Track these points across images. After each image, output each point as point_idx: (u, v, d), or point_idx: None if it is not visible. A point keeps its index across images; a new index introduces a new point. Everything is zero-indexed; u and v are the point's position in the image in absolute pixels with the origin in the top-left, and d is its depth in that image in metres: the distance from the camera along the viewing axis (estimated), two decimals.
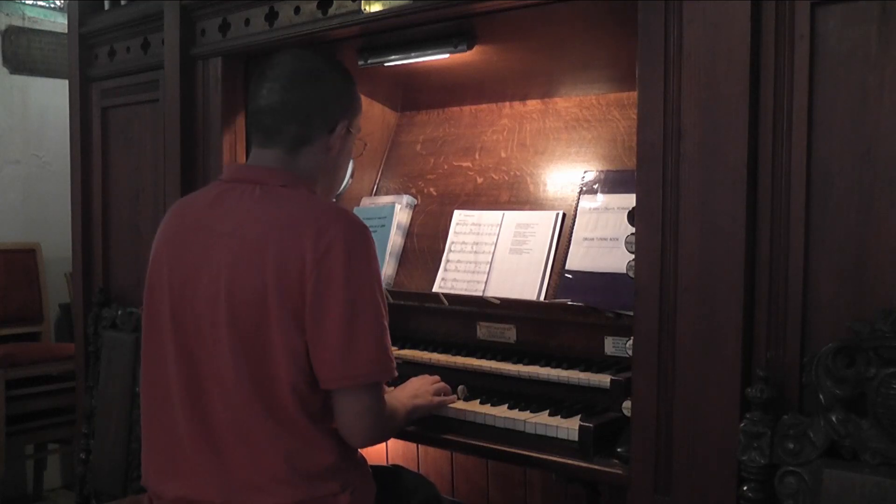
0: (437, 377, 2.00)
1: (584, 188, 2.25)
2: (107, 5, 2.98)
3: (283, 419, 1.60)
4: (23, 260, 4.42)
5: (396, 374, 1.68)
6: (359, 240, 1.61)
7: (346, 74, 1.81)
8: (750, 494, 1.49)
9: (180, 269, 1.68)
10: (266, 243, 1.58)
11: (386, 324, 1.64)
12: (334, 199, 2.65)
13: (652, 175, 1.64)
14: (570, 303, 2.07)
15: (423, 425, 1.96)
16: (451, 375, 2.06)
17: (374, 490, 1.75)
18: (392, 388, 1.94)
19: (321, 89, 1.73)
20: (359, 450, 1.75)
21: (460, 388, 2.02)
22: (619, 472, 1.69)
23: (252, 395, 1.59)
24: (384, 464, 2.25)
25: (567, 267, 2.19)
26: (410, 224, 2.59)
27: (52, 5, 4.80)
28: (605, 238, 2.14)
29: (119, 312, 2.88)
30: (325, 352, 1.58)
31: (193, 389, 1.64)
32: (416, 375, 2.03)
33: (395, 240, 2.55)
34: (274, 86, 1.71)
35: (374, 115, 2.77)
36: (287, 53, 1.80)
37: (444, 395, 1.98)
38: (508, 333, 2.23)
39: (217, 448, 1.62)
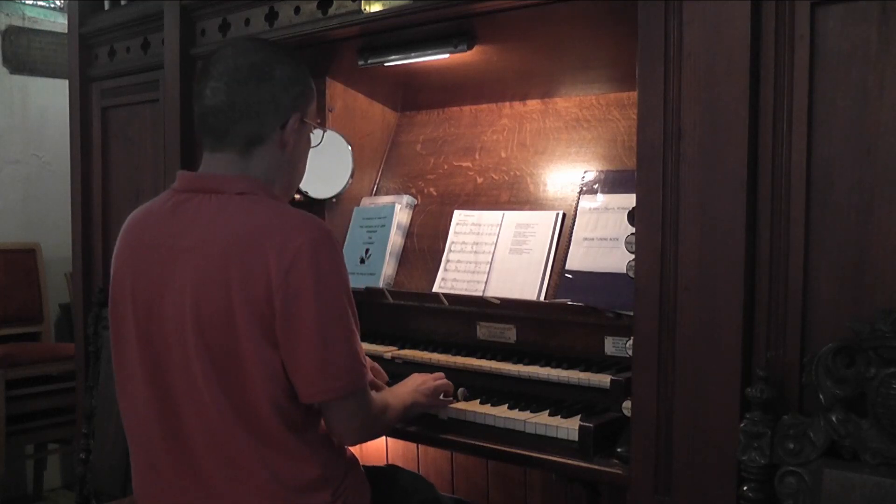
0: (440, 374, 1.99)
1: (584, 188, 2.25)
2: (107, 5, 2.98)
3: (266, 436, 1.55)
4: (23, 260, 4.42)
5: (369, 378, 1.65)
6: (325, 248, 1.54)
7: (295, 62, 1.69)
8: (750, 494, 1.49)
9: (143, 288, 1.61)
10: (229, 259, 1.52)
11: (357, 330, 1.60)
12: (334, 198, 2.67)
13: (652, 175, 1.64)
14: (570, 303, 2.07)
15: (423, 425, 1.96)
16: (451, 375, 2.05)
17: (369, 492, 1.74)
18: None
19: (268, 84, 1.62)
20: (350, 452, 1.74)
21: (461, 390, 2.02)
22: (619, 472, 1.69)
23: (231, 415, 1.54)
24: (381, 464, 2.24)
25: (567, 267, 2.19)
26: (410, 224, 2.59)
27: (52, 5, 4.80)
28: (605, 238, 2.14)
29: None
30: (301, 367, 1.53)
31: (167, 413, 1.59)
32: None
33: (395, 240, 2.55)
34: (217, 85, 1.61)
35: (374, 115, 2.77)
36: (229, 47, 1.67)
37: (447, 392, 1.97)
38: (508, 333, 2.23)
39: (198, 471, 1.58)
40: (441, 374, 1.99)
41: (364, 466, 1.80)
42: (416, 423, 1.96)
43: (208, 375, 1.54)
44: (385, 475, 1.94)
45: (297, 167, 1.75)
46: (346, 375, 1.56)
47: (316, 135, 1.80)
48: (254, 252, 1.51)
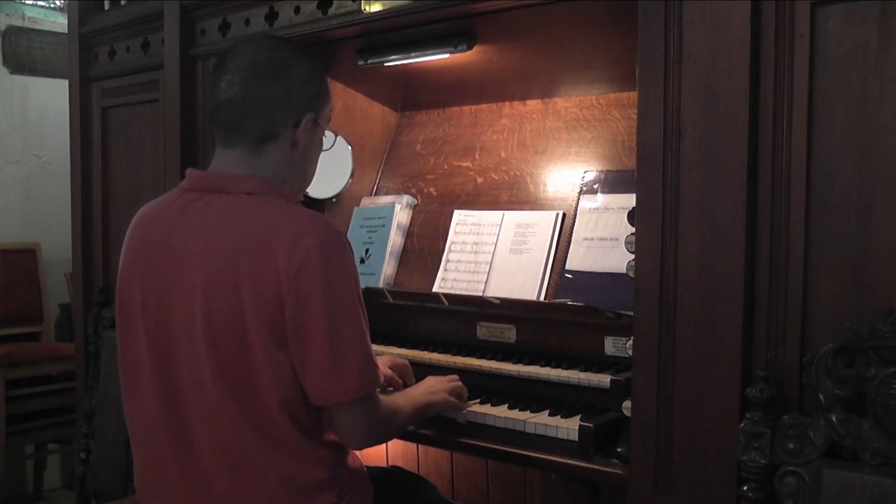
0: (455, 376, 1.98)
1: (584, 188, 2.25)
2: (107, 5, 2.98)
3: (277, 440, 1.54)
4: (23, 260, 4.42)
5: (382, 380, 1.64)
6: (335, 249, 1.53)
7: (313, 62, 1.68)
8: (750, 494, 1.49)
9: (152, 289, 1.60)
10: (238, 262, 1.51)
11: (367, 331, 1.59)
12: (334, 198, 2.67)
13: (652, 175, 1.64)
14: (570, 303, 2.07)
15: (423, 425, 1.96)
16: None
17: (371, 492, 1.74)
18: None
19: (284, 80, 1.61)
20: (354, 453, 1.73)
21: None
22: (619, 472, 1.69)
23: (239, 418, 1.53)
24: (383, 465, 2.24)
25: (567, 267, 2.19)
26: (410, 224, 2.59)
27: (52, 5, 4.79)
28: (605, 238, 2.14)
29: None
30: (312, 370, 1.52)
31: (174, 415, 1.58)
32: (416, 375, 2.02)
33: (395, 240, 2.55)
34: (233, 78, 1.60)
35: (374, 115, 2.77)
36: (247, 42, 1.68)
37: (460, 394, 1.95)
38: (508, 333, 2.23)
39: (203, 475, 1.57)
40: (455, 377, 1.98)
41: (367, 467, 1.79)
42: (415, 423, 1.96)
43: (217, 378, 1.53)
44: (388, 477, 1.93)
45: (307, 168, 1.74)
46: (358, 379, 1.55)
47: (328, 138, 1.79)
48: (263, 254, 1.50)
